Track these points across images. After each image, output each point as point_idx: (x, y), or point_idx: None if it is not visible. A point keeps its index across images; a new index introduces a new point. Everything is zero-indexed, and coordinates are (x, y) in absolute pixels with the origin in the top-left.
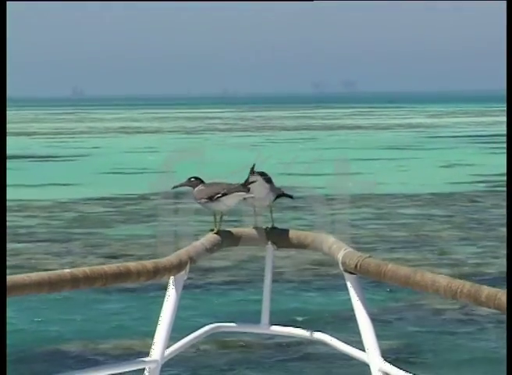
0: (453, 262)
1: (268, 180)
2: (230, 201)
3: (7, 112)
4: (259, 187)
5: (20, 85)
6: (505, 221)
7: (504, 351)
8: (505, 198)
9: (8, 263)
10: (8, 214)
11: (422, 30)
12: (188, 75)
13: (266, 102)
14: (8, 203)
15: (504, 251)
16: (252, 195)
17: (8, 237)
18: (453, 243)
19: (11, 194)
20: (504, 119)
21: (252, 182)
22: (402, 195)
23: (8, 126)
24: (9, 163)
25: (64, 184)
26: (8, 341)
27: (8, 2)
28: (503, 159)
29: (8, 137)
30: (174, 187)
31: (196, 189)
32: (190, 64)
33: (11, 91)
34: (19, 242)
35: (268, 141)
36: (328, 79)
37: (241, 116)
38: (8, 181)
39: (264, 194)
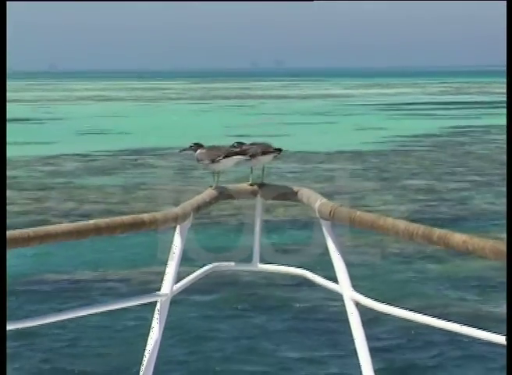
0: (367, 209)
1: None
2: (229, 162)
3: None
4: (269, 158)
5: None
6: (407, 175)
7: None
8: (411, 158)
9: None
10: None
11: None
12: (147, 51)
13: (211, 76)
14: None
15: (407, 198)
16: (247, 158)
17: None
18: (367, 192)
19: None
20: (405, 90)
21: (268, 152)
22: (323, 153)
23: None
24: None
25: (43, 143)
26: (18, 272)
27: (8, 2)
28: (403, 123)
29: None
30: (180, 151)
31: (198, 152)
32: (149, 40)
33: None
34: (7, 190)
35: (213, 107)
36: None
37: (190, 87)
38: None
39: (269, 161)
